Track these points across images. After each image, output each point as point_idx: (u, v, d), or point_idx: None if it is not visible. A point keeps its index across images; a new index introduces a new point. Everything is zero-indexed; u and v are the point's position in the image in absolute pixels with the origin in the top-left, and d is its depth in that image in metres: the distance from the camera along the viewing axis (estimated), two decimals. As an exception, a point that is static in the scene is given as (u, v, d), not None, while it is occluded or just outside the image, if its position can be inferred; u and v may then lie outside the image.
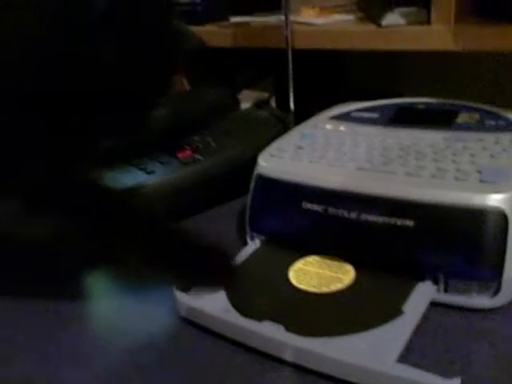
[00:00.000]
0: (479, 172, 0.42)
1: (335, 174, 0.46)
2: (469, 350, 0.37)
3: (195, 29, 0.79)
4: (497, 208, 0.39)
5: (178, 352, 0.40)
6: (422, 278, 0.42)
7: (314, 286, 0.43)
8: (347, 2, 0.77)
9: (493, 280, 0.40)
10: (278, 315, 0.39)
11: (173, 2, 0.48)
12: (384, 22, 0.60)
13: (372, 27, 0.62)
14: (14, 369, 0.40)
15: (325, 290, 0.42)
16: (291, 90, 0.66)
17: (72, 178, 0.37)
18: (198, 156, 0.60)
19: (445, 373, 0.33)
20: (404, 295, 0.40)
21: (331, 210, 0.45)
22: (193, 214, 0.59)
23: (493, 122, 0.52)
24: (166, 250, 0.41)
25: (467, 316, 0.41)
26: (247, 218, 0.51)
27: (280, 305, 0.42)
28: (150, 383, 0.38)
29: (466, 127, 0.51)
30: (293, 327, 0.38)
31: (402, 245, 0.42)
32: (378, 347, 0.36)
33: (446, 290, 0.41)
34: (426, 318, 0.39)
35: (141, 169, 0.55)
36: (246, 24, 0.75)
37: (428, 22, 0.57)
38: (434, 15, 0.56)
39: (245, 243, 0.51)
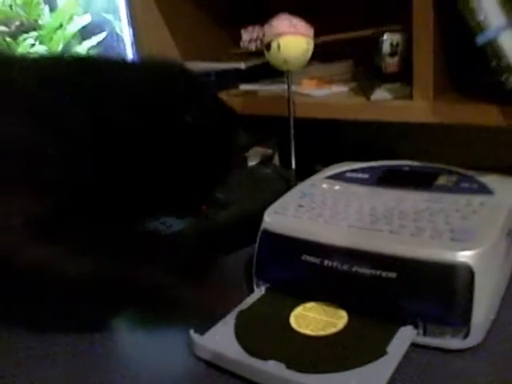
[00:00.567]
0: (452, 231, 0.49)
1: (330, 231, 0.53)
2: (443, 385, 0.44)
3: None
4: (464, 263, 0.46)
5: (194, 386, 0.47)
6: (403, 323, 0.48)
7: (311, 330, 0.49)
8: (343, 73, 0.87)
9: (463, 325, 0.46)
10: (281, 355, 0.45)
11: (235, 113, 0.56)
12: (373, 97, 0.69)
13: (363, 100, 0.71)
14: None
15: (321, 333, 0.49)
16: (293, 152, 0.74)
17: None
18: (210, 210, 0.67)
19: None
20: (388, 337, 0.47)
21: (327, 262, 0.52)
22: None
23: (467, 185, 0.59)
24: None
25: (443, 355, 0.47)
26: (254, 268, 0.58)
27: (282, 346, 0.48)
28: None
29: (444, 189, 0.59)
30: (293, 365, 0.44)
31: (387, 293, 0.48)
32: (365, 382, 0.42)
33: (424, 333, 0.48)
34: (406, 357, 0.46)
35: (161, 223, 0.63)
36: (254, 92, 0.84)
37: (410, 97, 0.66)
38: (415, 91, 0.65)
39: (251, 290, 0.58)
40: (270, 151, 0.92)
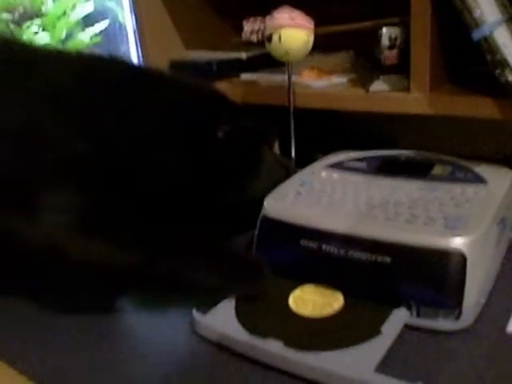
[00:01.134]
0: (445, 219, 0.51)
1: (328, 218, 0.55)
2: (434, 364, 0.46)
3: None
4: (457, 249, 0.48)
5: (195, 363, 0.49)
6: (397, 305, 0.50)
7: (309, 311, 0.52)
8: (343, 63, 0.88)
9: (455, 307, 0.48)
10: (279, 334, 0.48)
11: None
12: (371, 89, 0.70)
13: (361, 91, 0.72)
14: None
15: (318, 314, 0.51)
16: (293, 141, 0.75)
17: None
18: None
19: (412, 381, 0.42)
20: (382, 318, 0.49)
21: (324, 247, 0.54)
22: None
23: (462, 175, 0.61)
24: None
25: (434, 336, 0.49)
26: (254, 252, 0.60)
27: (281, 325, 0.50)
28: (174, 387, 0.46)
29: (439, 178, 0.61)
30: (291, 343, 0.46)
31: (381, 277, 0.51)
32: (359, 360, 0.44)
33: (417, 315, 0.50)
34: (400, 337, 0.48)
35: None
36: (254, 82, 0.85)
37: (408, 89, 0.68)
38: (412, 84, 0.66)
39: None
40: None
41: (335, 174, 0.66)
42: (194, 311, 0.52)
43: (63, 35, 1.36)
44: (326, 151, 0.75)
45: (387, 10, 0.72)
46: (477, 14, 0.57)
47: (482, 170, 0.62)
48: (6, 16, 1.27)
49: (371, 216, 0.54)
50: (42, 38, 1.31)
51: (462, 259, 0.48)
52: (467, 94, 0.65)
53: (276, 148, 0.92)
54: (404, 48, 0.68)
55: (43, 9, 1.33)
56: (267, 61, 0.79)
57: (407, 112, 0.67)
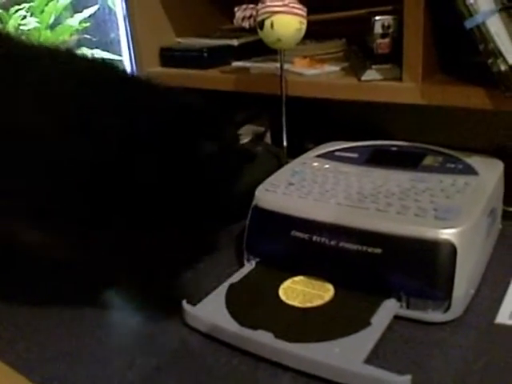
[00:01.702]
0: (435, 210, 0.51)
1: (319, 208, 0.55)
2: (423, 355, 0.46)
3: (201, 73, 0.89)
4: (447, 240, 0.48)
5: (185, 354, 0.49)
6: (387, 296, 0.50)
7: (299, 302, 0.51)
8: (335, 51, 0.87)
9: (444, 299, 0.48)
10: (270, 325, 0.47)
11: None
12: (363, 78, 0.70)
13: (353, 80, 0.72)
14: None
15: (308, 304, 0.51)
16: (284, 130, 0.75)
17: None
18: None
19: (401, 372, 0.42)
20: (372, 310, 0.49)
21: (315, 238, 0.54)
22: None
23: (452, 165, 0.61)
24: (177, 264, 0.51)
25: (424, 328, 0.49)
26: (244, 242, 0.60)
27: (271, 316, 0.50)
28: (165, 379, 0.46)
29: (430, 169, 0.61)
30: (281, 335, 0.46)
31: (372, 268, 0.51)
32: (349, 351, 0.44)
33: (407, 307, 0.50)
34: (389, 328, 0.48)
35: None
36: (246, 70, 0.85)
37: (400, 78, 0.67)
38: (404, 73, 0.66)
39: (242, 264, 0.60)
40: (261, 129, 0.93)
41: (327, 165, 0.66)
42: (184, 302, 0.51)
43: (51, 20, 1.34)
44: (318, 141, 0.74)
45: (380, -1, 0.72)
46: (470, 2, 0.56)
47: (473, 161, 0.62)
48: (-7, 0, 1.25)
49: (362, 207, 0.54)
50: (30, 23, 1.29)
51: (452, 250, 0.48)
52: (459, 83, 0.64)
53: (267, 138, 0.92)
54: (397, 37, 0.67)
55: (31, -7, 1.31)
56: (259, 48, 0.79)
57: (399, 101, 0.67)
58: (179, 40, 0.99)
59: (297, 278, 0.55)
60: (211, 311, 0.51)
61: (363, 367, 0.42)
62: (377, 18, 0.69)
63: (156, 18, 0.97)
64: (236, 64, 0.87)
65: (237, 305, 0.52)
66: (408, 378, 0.41)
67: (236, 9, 0.73)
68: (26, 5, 1.30)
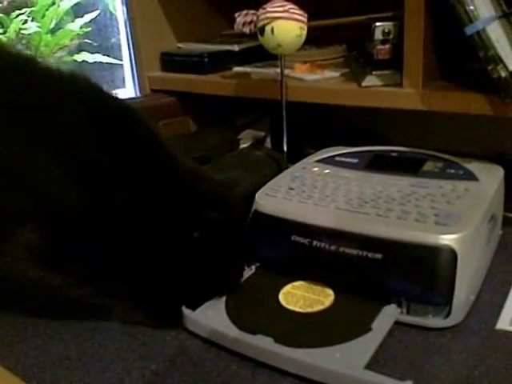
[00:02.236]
0: (436, 215, 0.51)
1: (319, 213, 0.55)
2: (423, 361, 0.46)
3: (201, 78, 0.89)
4: (448, 246, 0.48)
5: (185, 359, 0.48)
6: (388, 302, 0.50)
7: (299, 307, 0.51)
8: (336, 57, 0.88)
9: (445, 305, 0.48)
10: (269, 330, 0.47)
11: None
12: (364, 83, 0.70)
13: (354, 86, 0.72)
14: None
15: (308, 310, 0.51)
16: (285, 135, 0.75)
17: None
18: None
19: (402, 378, 0.42)
20: (373, 315, 0.49)
21: (315, 243, 0.53)
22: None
23: (453, 171, 0.61)
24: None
25: (424, 333, 0.49)
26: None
27: (271, 321, 0.50)
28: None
29: (430, 175, 0.61)
30: (281, 340, 0.46)
31: (372, 273, 0.51)
32: (349, 357, 0.44)
33: (407, 312, 0.50)
34: (390, 334, 0.48)
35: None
36: (247, 75, 0.85)
37: (401, 84, 0.67)
38: (405, 79, 0.66)
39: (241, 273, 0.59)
40: (262, 134, 0.93)
41: (327, 170, 0.66)
42: (184, 307, 0.51)
43: (52, 25, 1.34)
44: (318, 146, 0.74)
45: (381, 5, 0.72)
46: (470, 9, 0.56)
47: (473, 166, 0.62)
48: (-6, 5, 1.25)
49: (362, 212, 0.54)
50: (31, 28, 1.29)
51: (453, 256, 0.48)
52: (460, 89, 0.64)
53: (267, 142, 0.92)
54: (397, 43, 0.68)
55: (32, -2, 1.32)
56: (259, 53, 0.79)
57: (399, 107, 0.67)
58: (180, 45, 1.00)
59: (297, 283, 0.55)
60: (211, 316, 0.51)
61: (364, 373, 0.42)
62: (377, 23, 0.69)
63: (157, 22, 0.97)
64: (237, 69, 0.88)
65: (236, 309, 0.51)
66: (409, 383, 0.41)
67: (237, 14, 0.73)
68: (27, 9, 1.31)
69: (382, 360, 0.46)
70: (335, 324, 0.49)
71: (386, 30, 0.68)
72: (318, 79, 0.77)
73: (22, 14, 1.30)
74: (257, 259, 0.59)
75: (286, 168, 0.69)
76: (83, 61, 1.37)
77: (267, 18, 0.67)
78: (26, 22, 1.31)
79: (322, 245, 0.53)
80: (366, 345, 0.46)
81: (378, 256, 0.50)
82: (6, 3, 1.27)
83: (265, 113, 0.94)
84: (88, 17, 1.34)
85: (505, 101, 0.58)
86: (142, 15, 0.95)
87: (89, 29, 1.36)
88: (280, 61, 0.72)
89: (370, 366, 0.43)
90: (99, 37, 1.35)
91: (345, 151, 0.70)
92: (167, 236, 0.50)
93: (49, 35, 1.36)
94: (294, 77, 0.78)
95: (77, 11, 1.34)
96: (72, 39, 1.40)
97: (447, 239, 0.48)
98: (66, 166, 0.48)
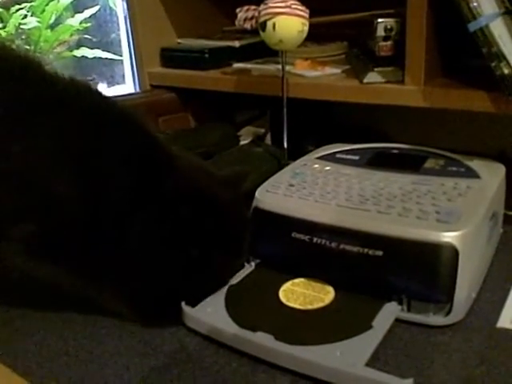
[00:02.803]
0: (437, 213, 0.51)
1: (320, 210, 0.55)
2: (424, 358, 0.46)
3: (202, 74, 0.89)
4: (449, 243, 0.48)
5: (185, 356, 0.48)
6: (388, 299, 0.50)
7: (299, 304, 0.51)
8: (337, 54, 0.87)
9: (446, 302, 0.48)
10: (269, 327, 0.47)
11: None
12: (365, 80, 0.70)
13: (355, 83, 0.71)
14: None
15: (309, 307, 0.51)
16: (285, 132, 0.74)
17: None
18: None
19: (403, 375, 0.41)
20: (373, 313, 0.48)
21: (316, 240, 0.53)
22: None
23: (454, 168, 0.61)
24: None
25: (425, 331, 0.49)
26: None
27: (271, 318, 0.50)
28: (163, 380, 0.45)
29: (432, 172, 0.60)
30: (281, 337, 0.46)
31: (373, 271, 0.50)
32: (350, 354, 0.44)
33: (408, 310, 0.50)
34: (391, 332, 0.48)
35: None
36: (247, 71, 0.84)
37: (402, 81, 0.67)
38: (407, 76, 0.66)
39: (242, 265, 0.59)
40: (262, 130, 0.92)
41: (327, 167, 0.65)
42: (183, 304, 0.51)
43: (52, 20, 1.34)
44: (319, 143, 0.74)
45: (382, 1, 0.71)
46: (474, 5, 0.56)
47: (475, 164, 0.61)
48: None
49: (363, 209, 0.53)
50: (31, 23, 1.29)
51: (455, 253, 0.47)
52: (462, 87, 0.64)
53: (268, 139, 0.92)
54: (399, 39, 0.67)
55: (32, -8, 1.31)
56: (260, 49, 0.78)
57: (401, 104, 0.67)
58: (180, 41, 0.99)
59: (297, 280, 0.54)
60: (210, 313, 0.50)
61: (365, 370, 0.42)
62: (379, 20, 0.68)
63: (157, 18, 0.97)
64: (237, 65, 0.87)
65: (236, 306, 0.51)
66: (410, 381, 0.41)
67: (238, 10, 0.72)
68: (27, 4, 1.30)
69: (382, 358, 0.45)
70: (335, 321, 0.49)
71: (389, 27, 0.68)
72: (319, 76, 0.77)
73: (22, 8, 1.29)
74: (257, 256, 0.58)
75: (287, 165, 0.69)
76: (83, 56, 1.37)
77: (269, 13, 0.67)
78: (25, 16, 1.30)
79: (323, 242, 0.53)
80: (367, 342, 0.45)
81: (379, 253, 0.50)
82: (5, -2, 1.27)
83: (264, 110, 0.94)
84: (88, 12, 1.34)
85: (507, 98, 0.58)
86: (142, 11, 0.95)
87: (89, 24, 1.35)
88: (281, 57, 0.72)
89: (370, 364, 0.43)
90: (99, 32, 1.35)
91: (346, 148, 0.69)
92: (164, 237, 0.50)
93: (48, 30, 1.36)
94: (295, 73, 0.78)
95: (76, 6, 1.34)
96: (72, 34, 1.40)
97: (448, 236, 0.48)
98: (66, 167, 0.49)
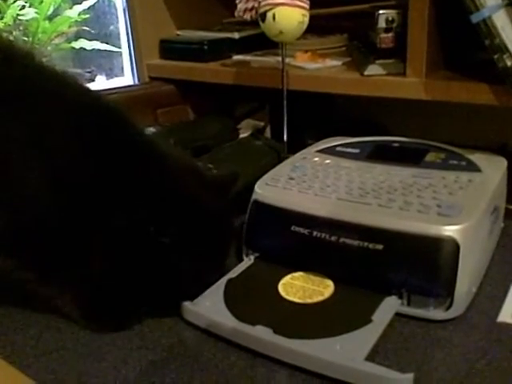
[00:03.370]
0: (439, 206, 0.50)
1: (320, 203, 0.54)
2: (424, 353, 0.45)
3: (201, 66, 0.88)
4: (450, 237, 0.47)
5: (183, 350, 0.48)
6: (388, 293, 0.49)
7: (299, 298, 0.51)
8: (337, 46, 0.87)
9: (446, 296, 0.48)
10: (269, 320, 0.47)
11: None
12: (366, 72, 0.69)
13: (356, 75, 0.71)
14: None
15: (308, 301, 0.50)
16: (285, 125, 0.74)
17: None
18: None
19: (402, 370, 0.41)
20: (373, 307, 0.48)
21: (315, 234, 0.53)
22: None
23: (455, 162, 0.60)
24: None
25: (425, 326, 0.49)
26: (243, 237, 0.59)
27: (270, 312, 0.49)
28: (161, 374, 0.45)
29: (432, 166, 0.60)
30: (280, 331, 0.45)
31: (373, 264, 0.50)
32: (350, 348, 0.43)
33: (408, 304, 0.49)
34: (390, 326, 0.47)
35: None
36: (247, 63, 0.84)
37: (404, 73, 0.66)
38: (408, 68, 0.65)
39: (241, 259, 0.59)
40: (261, 123, 0.92)
41: (328, 160, 0.65)
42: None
43: (50, 11, 1.33)
44: (319, 136, 0.73)
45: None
46: (477, -4, 0.55)
47: (476, 158, 0.61)
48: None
49: (364, 202, 0.53)
50: (28, 14, 1.28)
51: (455, 247, 0.47)
52: (464, 79, 0.64)
53: (267, 132, 0.91)
54: (400, 31, 0.67)
55: (30, -17, 1.30)
56: (260, 42, 0.78)
57: (402, 97, 0.66)
58: (179, 32, 0.98)
59: (296, 274, 0.54)
60: (209, 306, 0.50)
61: (365, 364, 0.42)
62: (381, 11, 0.68)
63: (156, 9, 0.96)
64: (237, 57, 0.86)
65: (235, 300, 0.51)
66: (410, 376, 0.40)
67: (238, 0, 0.72)
68: (25, -5, 1.29)
69: (382, 352, 0.45)
70: (335, 315, 0.48)
71: (390, 18, 0.67)
72: (319, 68, 0.76)
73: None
74: (256, 249, 0.58)
75: (287, 158, 0.68)
76: (81, 48, 1.36)
77: (269, 4, 0.66)
78: (23, 7, 1.29)
79: (323, 235, 0.52)
80: (366, 336, 0.45)
81: (379, 247, 0.49)
82: (3, -12, 1.26)
83: (264, 102, 0.93)
84: (86, 3, 1.33)
85: (510, 91, 0.57)
86: (141, 2, 0.94)
87: (87, 16, 1.34)
88: (281, 49, 0.71)
89: (370, 358, 0.43)
90: (98, 24, 1.34)
91: (346, 141, 0.69)
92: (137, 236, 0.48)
93: (46, 22, 1.35)
94: (295, 65, 0.77)
95: (75, -3, 1.33)
96: (70, 26, 1.39)
97: (450, 230, 0.47)
98: (43, 161, 0.47)
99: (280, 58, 0.72)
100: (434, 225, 0.48)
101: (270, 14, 0.66)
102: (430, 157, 0.62)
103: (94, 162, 0.48)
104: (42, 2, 1.30)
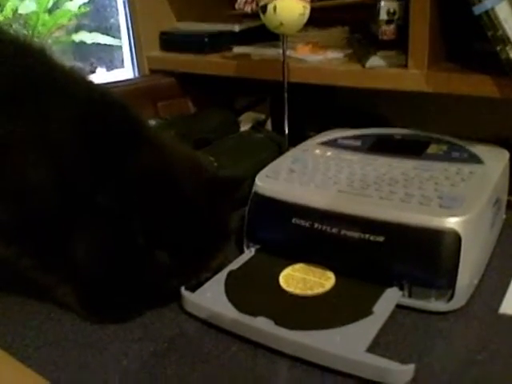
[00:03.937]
0: (440, 198, 0.50)
1: (321, 196, 0.54)
2: (425, 345, 0.45)
3: (201, 58, 0.88)
4: (452, 229, 0.47)
5: (184, 341, 0.48)
6: (389, 285, 0.49)
7: (300, 289, 0.51)
8: (338, 39, 0.86)
9: (448, 288, 0.48)
10: (270, 312, 0.47)
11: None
12: (367, 64, 0.68)
13: (357, 67, 0.71)
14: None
15: (309, 292, 0.50)
16: (286, 117, 0.73)
17: None
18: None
19: (403, 361, 0.41)
20: (374, 298, 0.48)
21: (316, 226, 0.53)
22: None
23: (457, 154, 0.60)
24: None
25: (426, 317, 0.48)
26: (244, 230, 0.59)
27: (271, 304, 0.49)
28: (162, 365, 0.45)
29: (434, 158, 0.60)
30: (281, 322, 0.45)
31: (374, 256, 0.50)
32: (351, 340, 0.43)
33: (409, 295, 0.49)
34: (391, 317, 0.47)
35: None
36: (247, 55, 0.83)
37: (405, 65, 0.66)
38: (410, 60, 0.65)
39: (241, 251, 0.59)
40: (262, 116, 0.91)
41: (329, 152, 0.65)
42: (183, 289, 0.50)
43: (50, 4, 1.32)
44: (320, 129, 0.73)
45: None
46: (479, -13, 0.55)
47: (478, 150, 0.61)
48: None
49: (365, 194, 0.53)
50: (28, 7, 1.27)
51: (457, 239, 0.47)
52: (466, 71, 0.63)
53: (268, 125, 0.91)
54: (402, 23, 0.66)
55: (29, -24, 1.29)
56: (260, 34, 0.77)
57: (404, 89, 0.66)
58: (179, 25, 0.98)
59: (297, 266, 0.54)
60: (210, 298, 0.50)
61: (366, 356, 0.42)
62: (382, 3, 0.67)
63: (156, 2, 0.96)
64: (237, 49, 0.86)
65: (236, 292, 0.51)
66: (411, 366, 0.40)
67: (238, -8, 0.71)
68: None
69: (383, 343, 0.45)
70: (336, 307, 0.48)
71: (392, 10, 0.67)
72: (320, 60, 0.76)
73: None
74: (257, 241, 0.58)
75: (287, 151, 0.68)
76: (81, 41, 1.35)
77: (270, -5, 0.65)
78: (23, 0, 1.28)
79: (324, 227, 0.52)
80: (367, 328, 0.45)
81: (380, 239, 0.49)
82: (2, -19, 1.25)
83: (265, 95, 0.93)
84: (86, -4, 1.32)
85: (512, 82, 0.57)
86: (141, -6, 0.93)
87: (87, 9, 1.34)
88: (282, 41, 0.71)
89: (371, 350, 0.43)
90: (98, 17, 1.33)
91: (347, 133, 0.69)
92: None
93: (46, 15, 1.34)
94: (295, 57, 0.76)
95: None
96: (70, 19, 1.38)
97: (451, 222, 0.47)
98: (44, 152, 0.47)
99: (281, 51, 0.72)
100: (435, 217, 0.48)
101: (270, 6, 0.65)
102: (431, 149, 0.62)
103: (98, 154, 0.48)
104: (41, -6, 1.30)
